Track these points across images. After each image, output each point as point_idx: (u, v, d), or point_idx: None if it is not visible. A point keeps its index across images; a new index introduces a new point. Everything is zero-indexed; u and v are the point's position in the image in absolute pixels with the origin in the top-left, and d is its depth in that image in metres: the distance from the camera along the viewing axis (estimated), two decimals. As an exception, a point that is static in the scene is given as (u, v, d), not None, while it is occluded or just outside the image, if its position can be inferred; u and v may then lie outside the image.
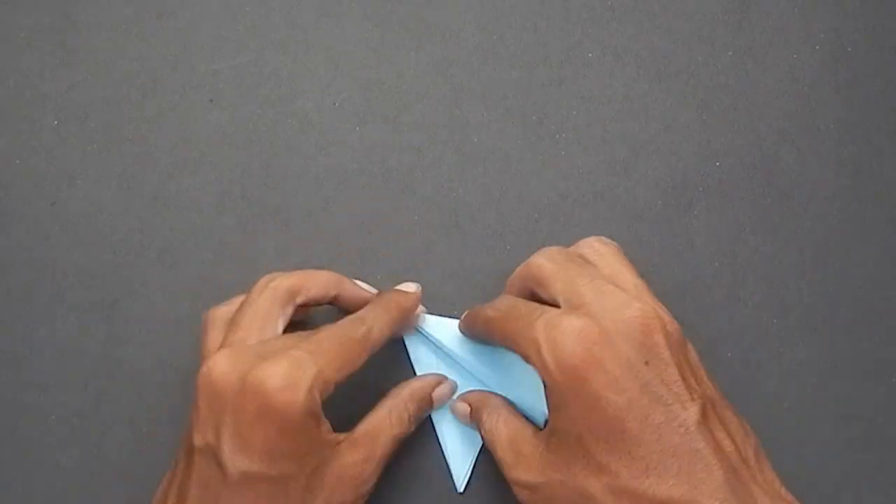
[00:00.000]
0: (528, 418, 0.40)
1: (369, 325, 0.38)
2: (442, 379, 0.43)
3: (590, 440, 0.34)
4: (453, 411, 0.43)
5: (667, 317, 0.35)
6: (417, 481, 0.43)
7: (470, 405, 0.42)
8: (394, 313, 0.41)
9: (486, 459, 0.43)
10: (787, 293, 0.45)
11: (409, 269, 0.46)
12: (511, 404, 0.41)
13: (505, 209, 0.46)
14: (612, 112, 0.47)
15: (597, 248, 0.39)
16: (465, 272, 0.45)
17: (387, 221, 0.46)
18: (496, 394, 0.41)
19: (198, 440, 0.35)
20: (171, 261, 0.46)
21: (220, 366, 0.35)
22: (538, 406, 0.40)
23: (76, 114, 0.48)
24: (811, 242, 0.46)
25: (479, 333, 0.41)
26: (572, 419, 0.34)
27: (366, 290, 0.43)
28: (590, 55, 0.48)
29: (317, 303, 0.41)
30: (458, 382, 0.43)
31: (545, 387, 0.35)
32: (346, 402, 0.40)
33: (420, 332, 0.44)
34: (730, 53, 0.48)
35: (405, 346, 0.44)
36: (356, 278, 0.45)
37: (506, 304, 0.39)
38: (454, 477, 0.43)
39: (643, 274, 0.38)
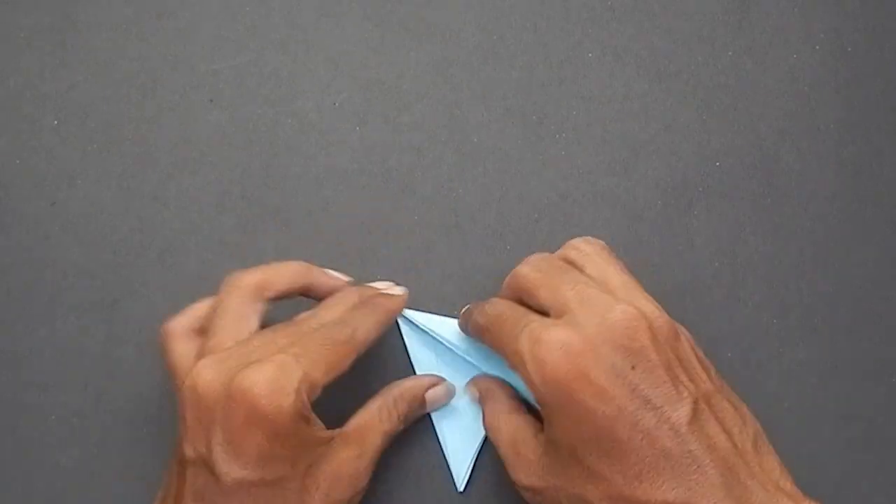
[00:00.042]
0: (532, 405, 0.40)
1: (354, 327, 0.38)
2: (437, 381, 0.43)
3: (583, 450, 0.34)
4: (466, 390, 0.43)
5: (654, 313, 0.35)
6: (417, 481, 0.43)
7: (478, 391, 0.42)
8: (380, 315, 0.40)
9: (486, 459, 0.43)
10: (787, 293, 0.45)
11: (409, 269, 0.46)
12: (516, 395, 0.41)
13: (505, 209, 0.46)
14: (612, 112, 0.47)
15: (582, 249, 0.39)
16: (465, 272, 0.45)
17: (387, 221, 0.46)
18: (504, 383, 0.41)
19: (189, 451, 0.35)
20: (171, 261, 0.46)
21: (205, 375, 0.35)
22: None
23: (76, 114, 0.48)
24: (811, 242, 0.46)
25: (473, 335, 0.41)
26: (564, 430, 0.34)
27: (337, 279, 0.42)
28: (590, 55, 0.48)
29: (287, 295, 0.40)
30: (459, 382, 0.43)
31: (537, 401, 0.35)
32: (346, 402, 0.40)
33: (420, 332, 0.44)
34: (730, 53, 0.48)
35: (405, 346, 0.44)
36: (356, 278, 0.45)
37: (494, 312, 0.39)
38: (454, 476, 0.43)
39: (643, 274, 0.38)
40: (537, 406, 0.39)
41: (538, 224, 0.46)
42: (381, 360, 0.44)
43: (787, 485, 0.34)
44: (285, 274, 0.40)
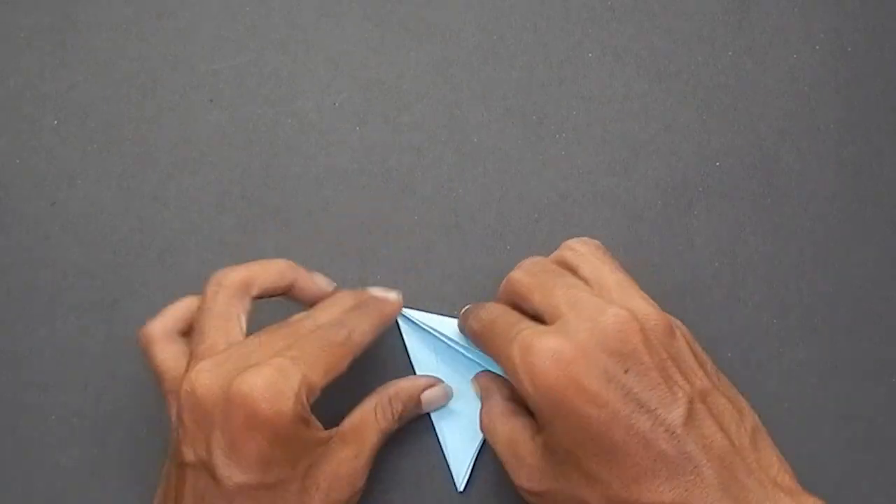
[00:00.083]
0: None
1: (350, 328, 0.38)
2: (434, 382, 0.43)
3: (579, 455, 0.34)
4: (471, 384, 0.43)
5: (647, 312, 0.35)
6: (417, 481, 0.43)
7: (480, 388, 0.42)
8: (375, 318, 0.40)
9: (486, 459, 0.43)
10: (787, 293, 0.45)
11: (409, 269, 0.46)
12: (515, 395, 0.40)
13: (505, 209, 0.46)
14: (612, 112, 0.47)
15: (577, 250, 0.40)
16: (465, 272, 0.45)
17: (387, 221, 0.46)
18: (504, 381, 0.41)
19: (188, 455, 0.35)
20: (171, 261, 0.46)
21: (203, 379, 0.35)
22: None
23: (76, 114, 0.48)
24: (811, 242, 0.46)
25: (469, 338, 0.42)
26: (560, 436, 0.34)
27: (322, 285, 0.42)
28: (590, 55, 0.48)
29: (271, 294, 0.40)
30: (459, 382, 0.43)
31: (531, 408, 0.36)
32: (345, 401, 0.40)
33: (420, 332, 0.44)
34: (730, 53, 0.48)
35: (405, 346, 0.44)
36: (356, 278, 0.45)
37: (487, 317, 0.39)
38: (454, 476, 0.43)
39: (643, 274, 0.38)
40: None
41: (538, 224, 0.46)
42: (380, 359, 0.44)
43: (786, 479, 0.34)
44: (270, 271, 0.40)
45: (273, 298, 0.41)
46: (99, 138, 0.47)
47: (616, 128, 0.47)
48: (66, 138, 0.47)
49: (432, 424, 0.43)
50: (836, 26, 0.48)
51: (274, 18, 0.49)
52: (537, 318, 0.37)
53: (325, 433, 0.37)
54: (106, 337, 0.45)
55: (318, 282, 0.41)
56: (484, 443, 0.43)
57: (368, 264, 0.46)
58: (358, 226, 0.46)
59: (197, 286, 0.42)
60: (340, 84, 0.48)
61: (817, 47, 0.48)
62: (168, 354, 0.39)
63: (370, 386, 0.42)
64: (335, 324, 0.38)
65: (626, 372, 0.34)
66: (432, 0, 0.49)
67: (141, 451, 0.44)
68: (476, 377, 0.42)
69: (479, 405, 0.43)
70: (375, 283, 0.45)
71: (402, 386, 0.42)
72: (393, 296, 0.42)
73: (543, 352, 0.34)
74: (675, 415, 0.33)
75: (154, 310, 0.43)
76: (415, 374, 0.44)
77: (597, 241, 0.40)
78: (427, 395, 0.42)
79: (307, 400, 0.35)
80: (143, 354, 0.39)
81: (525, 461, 0.37)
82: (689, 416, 0.33)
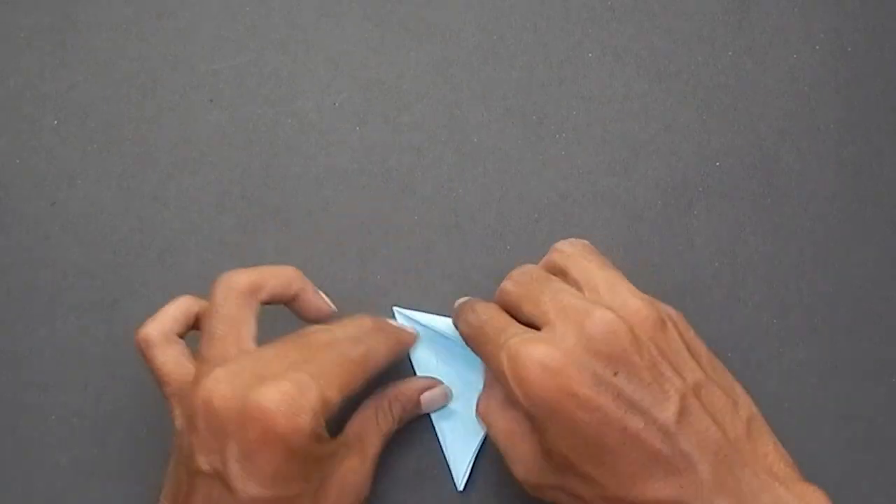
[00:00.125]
0: None
1: (368, 346, 0.38)
2: (433, 383, 0.43)
3: (574, 458, 0.34)
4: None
5: (634, 309, 0.35)
6: (417, 480, 0.43)
7: (483, 374, 0.42)
8: (392, 342, 0.40)
9: (486, 459, 0.43)
10: (787, 293, 0.45)
11: (409, 269, 0.46)
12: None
13: (505, 209, 0.46)
14: (612, 112, 0.47)
15: (565, 251, 0.40)
16: (465, 272, 0.45)
17: (387, 221, 0.46)
18: None
19: (203, 464, 0.35)
20: (171, 261, 0.46)
21: (220, 390, 0.35)
22: None
23: (76, 114, 0.48)
24: (811, 242, 0.46)
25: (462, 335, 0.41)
26: (554, 441, 0.34)
27: (325, 304, 0.41)
28: (590, 55, 0.48)
29: (277, 300, 0.40)
30: (459, 382, 0.43)
31: (524, 412, 0.36)
32: (346, 403, 0.40)
33: (419, 331, 0.44)
34: (730, 53, 0.48)
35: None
36: (356, 278, 0.45)
37: (477, 322, 0.38)
38: (454, 475, 0.43)
39: (643, 274, 0.38)
40: None
41: (538, 224, 0.46)
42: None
43: (782, 467, 0.34)
44: (279, 277, 0.40)
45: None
46: (99, 138, 0.47)
47: (616, 128, 0.47)
48: (66, 138, 0.47)
49: (432, 424, 0.43)
50: (836, 26, 0.48)
51: (274, 18, 0.49)
52: (531, 326, 0.37)
53: (333, 445, 0.37)
54: (106, 337, 0.45)
55: (323, 300, 0.41)
56: (483, 442, 0.43)
57: (368, 264, 0.46)
58: (358, 226, 0.46)
59: (197, 286, 0.42)
60: (340, 84, 0.48)
61: (817, 47, 0.48)
62: (168, 357, 0.38)
63: (369, 386, 0.42)
64: (353, 339, 0.38)
65: (615, 374, 0.34)
66: (432, 0, 0.49)
67: (141, 451, 0.44)
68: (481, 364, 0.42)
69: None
70: (375, 283, 0.45)
71: (402, 388, 0.42)
72: (411, 329, 0.43)
73: (531, 360, 0.34)
74: (668, 413, 0.33)
75: (154, 310, 0.43)
76: (414, 374, 0.44)
77: (584, 241, 0.40)
78: (426, 397, 0.42)
79: (323, 417, 0.35)
80: (142, 357, 0.39)
81: (522, 454, 0.37)
82: (682, 412, 0.33)
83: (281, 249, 0.46)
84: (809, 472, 0.36)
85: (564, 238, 0.42)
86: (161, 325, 0.39)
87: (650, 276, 0.40)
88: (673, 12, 0.48)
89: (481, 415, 0.39)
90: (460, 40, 0.48)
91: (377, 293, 0.45)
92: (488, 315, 0.38)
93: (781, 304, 0.45)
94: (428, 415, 0.43)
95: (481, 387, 0.43)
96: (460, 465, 0.43)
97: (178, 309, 0.40)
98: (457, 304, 0.42)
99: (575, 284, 0.38)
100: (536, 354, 0.34)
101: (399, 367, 0.44)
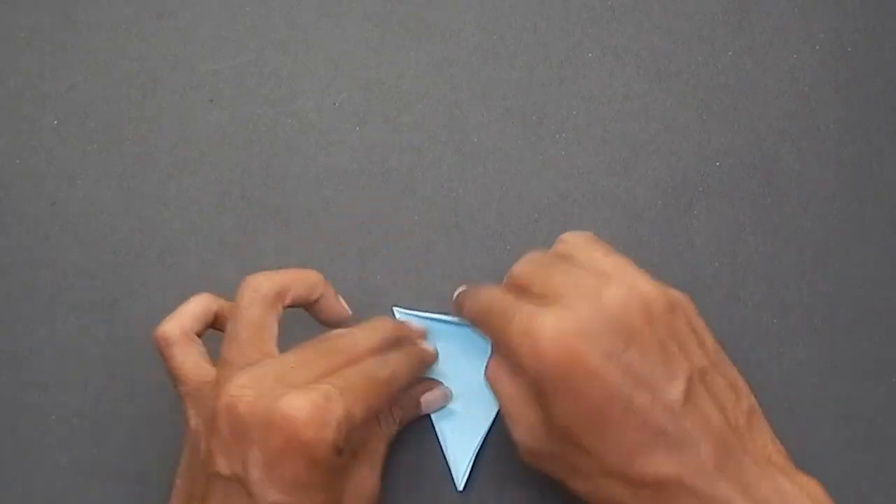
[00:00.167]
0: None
1: (394, 369, 0.38)
2: (432, 384, 0.43)
3: (577, 430, 0.34)
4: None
5: (647, 290, 0.35)
6: (417, 480, 0.43)
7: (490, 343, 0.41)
8: (415, 364, 0.41)
9: (486, 458, 0.43)
10: (787, 293, 0.45)
11: (409, 269, 0.46)
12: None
13: (505, 209, 0.46)
14: (612, 112, 0.47)
15: (570, 241, 0.39)
16: (465, 272, 0.45)
17: (387, 221, 0.46)
18: None
19: (223, 468, 0.34)
20: (171, 261, 0.46)
21: (246, 394, 0.34)
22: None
23: (76, 114, 0.48)
24: (811, 242, 0.46)
25: (465, 319, 0.41)
26: (558, 412, 0.34)
27: (344, 309, 0.41)
28: (590, 55, 0.48)
29: (300, 305, 0.40)
30: (458, 383, 0.43)
31: (530, 382, 0.35)
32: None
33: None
34: (730, 53, 0.48)
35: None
36: (356, 278, 0.45)
37: (486, 298, 0.38)
38: (454, 475, 0.43)
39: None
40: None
41: (538, 224, 0.46)
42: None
43: (780, 459, 0.35)
44: (304, 282, 0.39)
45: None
46: (99, 138, 0.47)
47: (616, 128, 0.47)
48: (66, 138, 0.47)
49: (432, 424, 0.43)
50: (836, 26, 0.48)
51: (274, 18, 0.49)
52: None
53: (348, 457, 0.37)
54: (106, 337, 0.45)
55: (342, 305, 0.41)
56: (483, 442, 0.43)
57: (368, 264, 0.46)
58: (358, 226, 0.46)
59: (197, 286, 0.42)
60: (340, 84, 0.48)
61: (817, 47, 0.48)
62: (188, 357, 0.38)
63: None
64: (380, 360, 0.38)
65: (626, 348, 0.34)
66: (432, 0, 0.49)
67: (141, 451, 0.44)
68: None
69: (478, 405, 0.43)
70: (375, 283, 0.45)
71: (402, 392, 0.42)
72: (431, 346, 0.43)
73: (544, 328, 0.34)
74: (675, 392, 0.33)
75: (154, 310, 0.43)
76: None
77: (588, 233, 0.40)
78: (426, 398, 0.42)
79: (346, 431, 0.35)
80: (160, 355, 0.39)
81: (525, 420, 0.37)
82: (688, 394, 0.33)
83: (281, 249, 0.46)
84: (809, 472, 0.35)
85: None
86: (181, 324, 0.39)
87: (650, 276, 0.39)
88: (673, 12, 0.48)
89: (489, 378, 0.39)
90: (460, 40, 0.48)
91: (377, 293, 0.45)
92: (497, 293, 0.38)
93: (781, 304, 0.45)
94: (428, 415, 0.43)
95: (481, 385, 0.43)
96: (460, 465, 0.43)
97: (198, 307, 0.39)
98: (457, 291, 0.42)
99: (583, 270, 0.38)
100: (549, 323, 0.34)
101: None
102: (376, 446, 0.40)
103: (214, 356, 0.39)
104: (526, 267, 0.38)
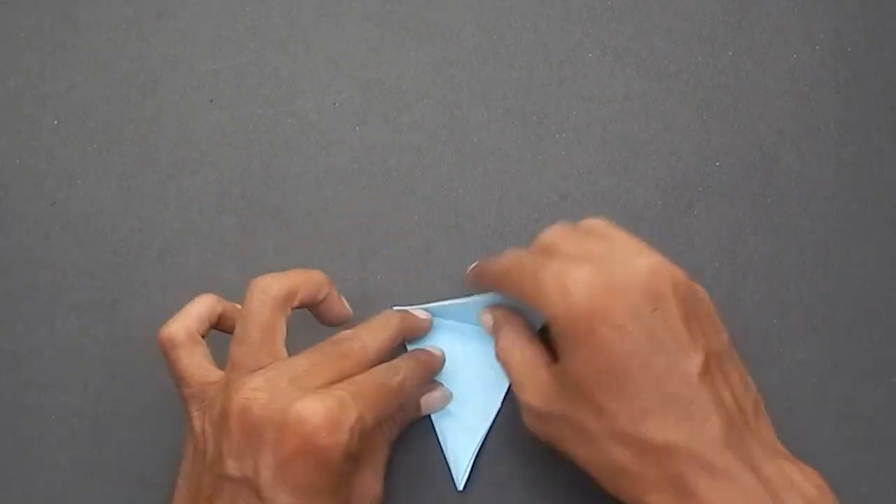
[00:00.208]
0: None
1: (404, 376, 0.38)
2: (433, 385, 0.43)
3: (592, 383, 0.34)
4: (480, 319, 0.42)
5: (674, 269, 0.36)
6: (417, 480, 0.43)
7: (494, 319, 0.41)
8: (425, 372, 0.41)
9: (486, 458, 0.43)
10: (787, 293, 0.45)
11: (409, 269, 0.46)
12: (531, 328, 0.41)
13: (505, 209, 0.46)
14: (612, 112, 0.47)
15: (592, 224, 0.40)
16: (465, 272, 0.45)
17: (387, 221, 0.46)
18: (519, 314, 0.41)
19: (233, 470, 0.35)
20: (171, 261, 0.46)
21: (259, 396, 0.35)
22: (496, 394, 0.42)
23: (76, 114, 0.48)
24: (811, 242, 0.46)
25: (486, 287, 0.41)
26: (578, 363, 0.35)
27: (347, 310, 0.42)
28: (590, 55, 0.48)
29: (306, 305, 0.40)
30: (457, 383, 0.43)
31: (553, 332, 0.36)
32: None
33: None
34: (730, 53, 0.48)
35: (406, 348, 0.44)
36: (356, 278, 0.45)
37: (514, 256, 0.39)
38: (454, 475, 0.43)
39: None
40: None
41: (538, 224, 0.46)
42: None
43: (784, 451, 0.35)
44: (311, 283, 0.39)
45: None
46: (99, 138, 0.47)
47: (616, 128, 0.47)
48: (66, 138, 0.47)
49: (432, 424, 0.43)
50: (836, 26, 0.48)
51: (274, 18, 0.49)
52: None
53: (356, 463, 0.37)
54: (106, 337, 0.45)
55: (345, 305, 0.41)
56: (483, 442, 0.43)
57: (368, 264, 0.46)
58: (358, 226, 0.46)
59: (197, 286, 0.42)
60: (340, 84, 0.48)
61: (817, 47, 0.48)
62: (194, 359, 0.38)
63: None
64: (390, 367, 0.39)
65: (652, 312, 0.34)
66: (432, 0, 0.49)
67: (141, 451, 0.44)
68: (489, 309, 0.42)
69: (478, 406, 0.43)
70: (375, 284, 0.45)
71: None
72: (436, 351, 0.43)
73: (579, 276, 0.34)
74: (693, 364, 0.34)
75: (154, 310, 0.43)
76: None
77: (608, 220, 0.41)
78: (426, 399, 0.42)
79: (358, 437, 0.35)
80: (165, 357, 0.38)
81: (536, 382, 0.37)
82: (704, 370, 0.34)
83: (281, 249, 0.46)
84: (809, 472, 0.36)
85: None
86: (186, 325, 0.39)
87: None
88: (673, 12, 0.48)
89: (501, 352, 0.40)
90: (460, 40, 0.48)
91: (377, 293, 0.45)
92: (525, 253, 0.39)
93: (781, 304, 0.45)
94: (428, 415, 0.43)
95: (481, 385, 0.43)
96: (460, 465, 0.43)
97: (202, 308, 0.39)
98: (471, 266, 0.42)
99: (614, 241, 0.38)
100: (583, 272, 0.35)
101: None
102: (379, 450, 0.40)
103: (215, 357, 0.39)
104: (557, 233, 0.39)
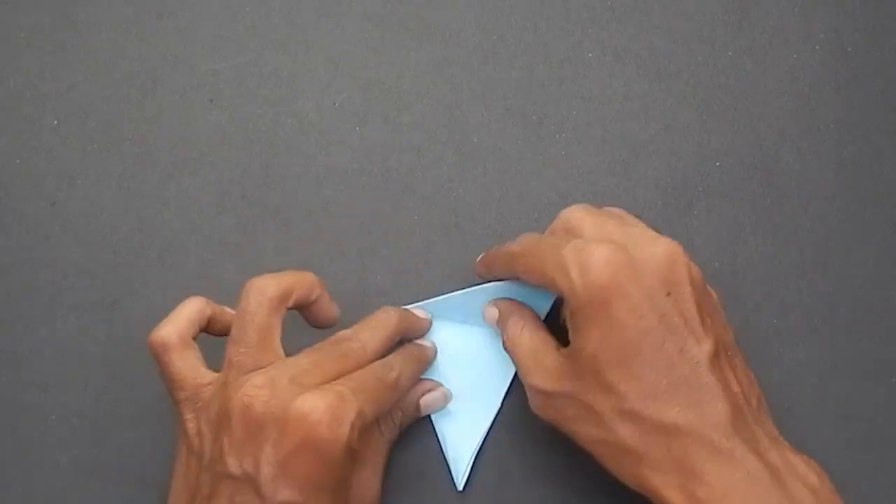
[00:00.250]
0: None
1: (399, 371, 0.39)
2: (432, 386, 0.43)
3: (603, 360, 0.35)
4: (483, 314, 0.42)
5: (689, 260, 0.37)
6: (417, 480, 0.43)
7: (500, 311, 0.42)
8: (418, 366, 0.42)
9: (486, 458, 0.43)
10: (787, 293, 0.45)
11: (409, 269, 0.46)
12: (538, 317, 0.41)
13: (505, 209, 0.46)
14: (612, 112, 0.47)
15: (611, 209, 0.41)
16: (465, 272, 0.45)
17: (387, 221, 0.46)
18: (527, 306, 0.41)
19: (234, 467, 0.35)
20: (171, 261, 0.46)
21: (261, 393, 0.35)
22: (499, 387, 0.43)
23: (76, 114, 0.48)
24: (811, 242, 0.46)
25: (500, 270, 0.41)
26: (591, 339, 0.35)
27: (336, 312, 0.42)
28: (590, 55, 0.48)
29: (299, 306, 0.40)
30: (457, 383, 0.43)
31: (569, 309, 0.36)
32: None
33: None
34: (730, 53, 0.48)
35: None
36: (356, 278, 0.45)
37: (531, 239, 0.39)
38: (454, 475, 0.43)
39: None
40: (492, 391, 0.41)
41: (538, 224, 0.46)
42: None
43: (785, 441, 0.35)
44: (304, 285, 0.39)
45: None
46: (99, 138, 0.47)
47: (616, 128, 0.47)
48: (66, 138, 0.47)
49: (432, 424, 0.43)
50: (836, 26, 0.48)
51: (274, 18, 0.49)
52: None
53: (353, 460, 0.37)
54: (106, 337, 0.45)
55: (335, 308, 0.41)
56: (483, 442, 0.43)
57: (368, 264, 0.46)
58: (358, 226, 0.46)
59: (197, 286, 0.42)
60: (340, 84, 0.48)
61: (817, 47, 0.48)
62: (187, 363, 0.38)
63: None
64: (385, 364, 0.39)
65: (668, 295, 0.35)
66: (432, 0, 0.49)
67: (141, 451, 0.44)
68: (493, 302, 0.42)
69: (478, 406, 0.43)
70: (375, 284, 0.45)
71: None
72: (429, 343, 0.43)
73: (599, 253, 0.35)
74: (703, 348, 0.35)
75: (154, 310, 0.43)
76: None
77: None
78: (425, 400, 0.42)
79: (358, 432, 0.35)
80: (157, 360, 0.38)
81: (546, 365, 0.38)
82: (713, 357, 0.35)
83: (281, 249, 0.46)
84: (809, 472, 0.36)
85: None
86: (178, 329, 0.39)
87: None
88: (673, 12, 0.48)
89: (509, 340, 0.40)
90: (460, 40, 0.48)
91: (377, 293, 0.45)
92: (543, 235, 0.40)
93: (781, 304, 0.45)
94: (428, 415, 0.43)
95: (481, 385, 0.43)
96: (460, 465, 0.43)
97: (192, 311, 0.39)
98: (480, 257, 0.43)
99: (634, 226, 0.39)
100: (605, 250, 0.35)
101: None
102: (378, 450, 0.40)
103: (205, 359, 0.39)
104: (578, 212, 0.40)
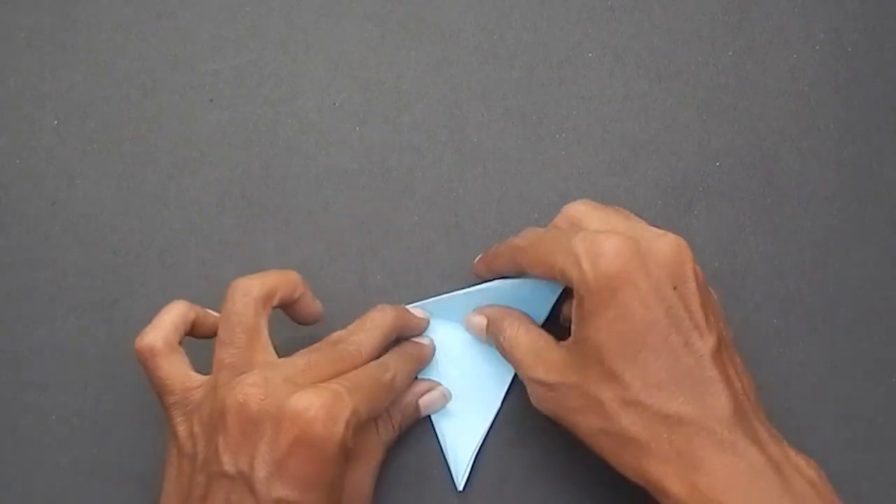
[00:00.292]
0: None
1: (394, 372, 0.39)
2: (431, 386, 0.43)
3: (608, 349, 0.35)
4: (468, 323, 0.43)
5: (693, 257, 0.37)
6: (417, 480, 0.43)
7: (487, 319, 0.42)
8: (414, 365, 0.42)
9: (486, 458, 0.43)
10: (787, 293, 0.45)
11: (409, 269, 0.46)
12: (530, 318, 0.41)
13: (505, 209, 0.46)
14: (612, 112, 0.47)
15: (615, 207, 0.41)
16: (465, 272, 0.45)
17: (387, 221, 0.46)
18: (517, 309, 0.41)
19: (229, 466, 0.35)
20: (171, 261, 0.46)
21: (256, 392, 0.35)
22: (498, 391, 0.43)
23: (76, 114, 0.48)
24: (811, 242, 0.46)
25: (503, 265, 0.41)
26: (598, 328, 0.35)
27: (320, 310, 0.42)
28: (590, 55, 0.48)
29: (283, 304, 0.40)
30: (457, 383, 0.43)
31: (576, 299, 0.36)
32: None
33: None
34: (730, 53, 0.48)
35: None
36: (356, 278, 0.45)
37: (536, 233, 0.40)
38: (454, 475, 0.43)
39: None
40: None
41: (538, 224, 0.46)
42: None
43: (782, 438, 0.36)
44: (288, 283, 0.40)
45: None
46: (99, 138, 0.47)
47: (616, 128, 0.47)
48: (66, 138, 0.47)
49: (432, 424, 0.43)
50: (836, 26, 0.48)
51: (274, 18, 0.49)
52: None
53: (350, 459, 0.37)
54: (106, 337, 0.45)
55: (318, 304, 0.42)
56: (483, 442, 0.43)
57: (368, 264, 0.46)
58: (358, 226, 0.46)
59: (197, 286, 0.42)
60: (340, 84, 0.48)
61: (817, 47, 0.48)
62: (175, 367, 0.38)
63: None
64: (380, 364, 0.39)
65: (674, 289, 0.35)
66: (432, 0, 0.49)
67: (141, 451, 0.44)
68: (480, 310, 0.42)
69: (477, 406, 0.43)
70: (375, 284, 0.45)
71: (400, 396, 0.42)
72: (425, 340, 0.43)
73: (609, 244, 0.35)
74: (707, 343, 0.35)
75: (154, 310, 0.43)
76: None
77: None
78: (425, 400, 0.42)
79: (353, 430, 0.35)
80: (144, 366, 0.38)
81: (547, 358, 0.38)
82: (716, 353, 0.35)
83: (281, 249, 0.46)
84: (809, 472, 0.36)
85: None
86: (164, 334, 0.39)
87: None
88: (673, 12, 0.48)
89: (506, 342, 0.40)
90: (460, 40, 0.48)
91: (377, 293, 0.45)
92: (547, 229, 0.40)
93: (781, 304, 0.45)
94: (428, 415, 0.43)
95: (481, 385, 0.43)
96: (460, 465, 0.43)
97: (177, 316, 0.39)
98: (478, 258, 0.43)
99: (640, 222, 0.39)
100: (614, 240, 0.36)
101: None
102: (374, 451, 0.40)
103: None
104: (582, 206, 0.40)
